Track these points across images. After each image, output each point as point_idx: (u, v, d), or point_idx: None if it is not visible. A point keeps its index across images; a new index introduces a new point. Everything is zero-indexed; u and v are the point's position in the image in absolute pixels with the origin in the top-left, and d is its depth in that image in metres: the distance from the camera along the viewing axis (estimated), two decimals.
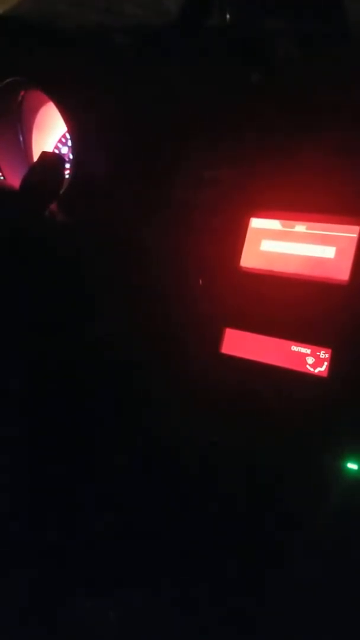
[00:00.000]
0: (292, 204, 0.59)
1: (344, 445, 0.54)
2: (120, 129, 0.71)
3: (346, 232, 0.55)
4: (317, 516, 0.55)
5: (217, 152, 0.65)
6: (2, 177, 0.84)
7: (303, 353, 0.55)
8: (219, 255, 0.62)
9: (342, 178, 0.56)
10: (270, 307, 0.58)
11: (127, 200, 0.70)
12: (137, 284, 0.67)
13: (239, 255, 0.61)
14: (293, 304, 0.57)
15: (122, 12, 0.78)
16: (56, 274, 0.69)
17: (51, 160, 0.68)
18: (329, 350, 0.54)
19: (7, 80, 0.76)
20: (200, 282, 0.63)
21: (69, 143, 0.82)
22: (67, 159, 0.77)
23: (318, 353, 0.54)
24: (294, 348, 0.56)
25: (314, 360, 0.55)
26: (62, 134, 0.85)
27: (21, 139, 0.83)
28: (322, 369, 0.54)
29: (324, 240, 0.56)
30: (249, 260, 0.60)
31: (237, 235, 0.61)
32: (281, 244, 0.59)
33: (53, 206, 0.69)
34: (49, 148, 0.85)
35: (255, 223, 0.61)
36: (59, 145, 0.86)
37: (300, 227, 0.58)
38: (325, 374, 0.54)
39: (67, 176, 0.71)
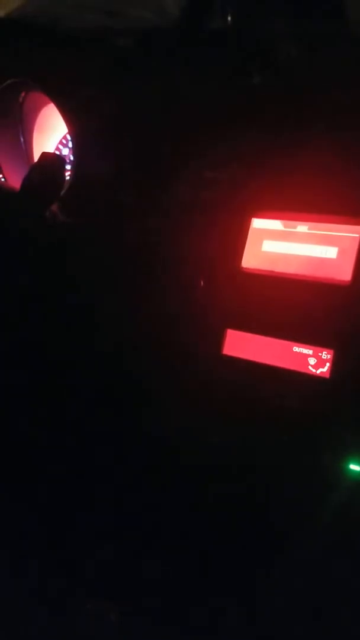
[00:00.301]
0: (293, 204, 0.59)
1: (346, 446, 0.53)
2: (121, 131, 0.72)
3: (348, 233, 0.55)
4: (320, 517, 0.54)
5: (219, 153, 0.65)
6: (3, 178, 0.84)
7: (305, 354, 0.55)
8: (221, 255, 0.62)
9: (344, 178, 0.56)
10: (272, 307, 0.58)
11: (128, 201, 0.70)
12: (138, 284, 0.67)
13: (241, 255, 0.61)
14: (295, 304, 0.56)
15: (123, 15, 0.78)
16: (57, 275, 0.68)
17: (52, 161, 0.67)
18: (331, 351, 0.54)
19: (9, 81, 0.76)
20: (202, 283, 0.63)
21: (70, 144, 0.82)
22: (67, 160, 0.78)
23: (320, 354, 0.54)
24: (296, 349, 0.56)
25: (316, 361, 0.54)
26: (62, 135, 0.85)
27: (22, 140, 0.83)
28: (324, 370, 0.54)
29: (326, 241, 0.56)
30: (250, 260, 0.60)
31: (238, 235, 0.61)
32: (283, 244, 0.59)
33: (54, 207, 0.69)
34: (50, 149, 0.85)
35: (257, 223, 0.60)
36: (60, 146, 0.86)
37: (302, 228, 0.58)
38: (327, 375, 0.54)
39: (67, 177, 0.71)
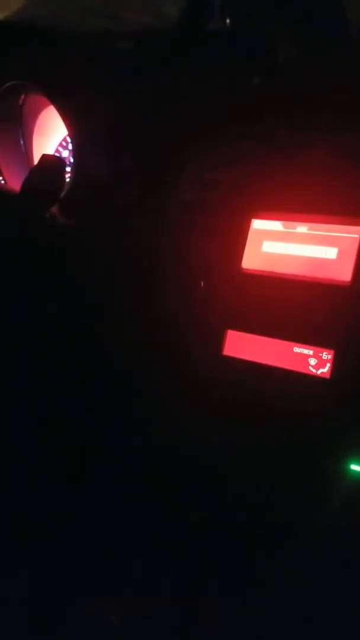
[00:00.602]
0: (293, 205, 0.59)
1: (347, 446, 0.53)
2: (121, 132, 0.72)
3: (348, 233, 0.55)
4: (321, 518, 0.54)
5: (219, 154, 0.65)
6: (3, 180, 0.84)
7: (305, 354, 0.55)
8: (221, 256, 0.62)
9: (344, 179, 0.56)
10: (272, 308, 0.58)
11: (128, 203, 0.70)
12: (138, 286, 0.67)
13: (241, 256, 0.61)
14: (295, 305, 0.56)
15: (123, 17, 0.79)
16: (57, 276, 0.69)
17: (52, 164, 0.68)
18: (332, 352, 0.54)
19: (8, 83, 0.76)
20: (202, 283, 0.63)
21: (70, 146, 0.82)
22: (67, 162, 0.78)
23: (320, 354, 0.54)
24: (297, 349, 0.56)
25: (316, 361, 0.54)
26: (62, 137, 0.85)
27: (22, 142, 0.84)
28: (324, 370, 0.54)
29: (326, 241, 0.56)
30: (250, 261, 0.60)
31: (238, 236, 0.61)
32: (283, 245, 0.59)
33: (54, 209, 0.69)
34: (50, 151, 0.86)
35: (257, 224, 0.60)
36: (60, 148, 0.86)
37: (301, 228, 0.58)
38: (327, 375, 0.54)
39: (67, 179, 0.71)
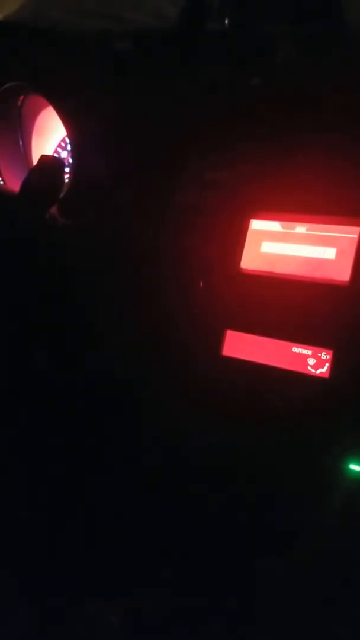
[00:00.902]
0: (292, 206, 0.59)
1: (346, 446, 0.53)
2: (120, 133, 0.72)
3: (346, 233, 0.55)
4: (320, 517, 0.54)
5: (217, 155, 0.65)
6: (2, 181, 0.84)
7: (304, 354, 0.55)
8: (220, 257, 0.62)
9: (342, 179, 0.56)
10: (271, 308, 0.58)
11: (127, 203, 0.70)
12: (137, 286, 0.67)
13: (240, 257, 0.61)
14: (294, 305, 0.56)
15: (122, 18, 0.79)
16: (56, 277, 0.69)
17: (51, 164, 0.68)
18: (331, 352, 0.54)
19: (7, 84, 0.76)
20: (201, 284, 0.63)
21: (69, 147, 0.82)
22: (66, 163, 0.78)
23: (319, 354, 0.54)
24: (295, 349, 0.56)
25: (315, 361, 0.54)
26: (61, 138, 0.85)
27: (21, 143, 0.84)
28: (323, 370, 0.54)
29: (325, 242, 0.56)
30: (249, 262, 0.60)
31: (237, 237, 0.61)
32: (281, 245, 0.59)
33: (53, 209, 0.69)
34: (49, 152, 0.86)
35: (256, 225, 0.61)
36: (59, 149, 0.86)
37: (300, 229, 0.58)
38: (326, 375, 0.54)
39: (66, 180, 0.72)
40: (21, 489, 0.71)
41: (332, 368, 0.53)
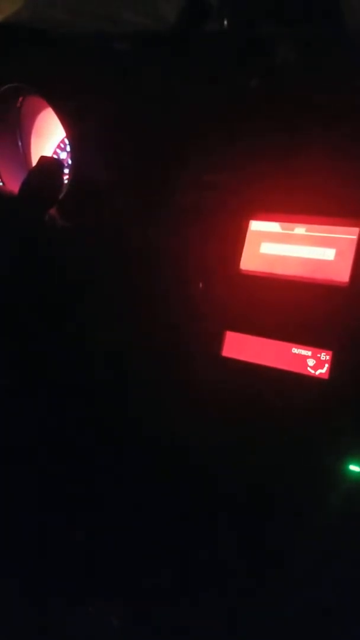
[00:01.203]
0: (291, 206, 0.59)
1: (345, 447, 0.53)
2: (119, 134, 0.72)
3: (346, 234, 0.55)
4: (320, 519, 0.54)
5: (217, 156, 0.65)
6: (1, 183, 0.84)
7: (304, 355, 0.55)
8: (219, 258, 0.62)
9: (341, 180, 0.56)
10: (271, 309, 0.58)
11: (127, 204, 0.70)
12: (137, 287, 0.67)
13: (239, 258, 0.61)
14: (293, 306, 0.57)
15: (120, 19, 0.78)
16: (56, 278, 0.69)
17: (50, 165, 0.68)
18: (330, 352, 0.54)
19: (6, 86, 0.76)
20: (201, 285, 0.63)
21: (68, 148, 0.82)
22: (65, 164, 0.78)
23: (319, 355, 0.54)
24: (295, 350, 0.56)
25: (314, 362, 0.55)
26: (60, 139, 0.85)
27: (20, 144, 0.84)
28: (323, 371, 0.54)
29: (324, 242, 0.56)
30: (248, 263, 0.60)
31: (236, 238, 0.61)
32: (281, 246, 0.59)
33: (52, 211, 0.69)
34: (48, 153, 0.86)
35: (255, 226, 0.61)
36: (58, 150, 0.86)
37: (299, 230, 0.58)
38: (326, 376, 0.54)
39: (65, 181, 0.72)
40: (21, 489, 0.71)
41: (332, 369, 0.53)
